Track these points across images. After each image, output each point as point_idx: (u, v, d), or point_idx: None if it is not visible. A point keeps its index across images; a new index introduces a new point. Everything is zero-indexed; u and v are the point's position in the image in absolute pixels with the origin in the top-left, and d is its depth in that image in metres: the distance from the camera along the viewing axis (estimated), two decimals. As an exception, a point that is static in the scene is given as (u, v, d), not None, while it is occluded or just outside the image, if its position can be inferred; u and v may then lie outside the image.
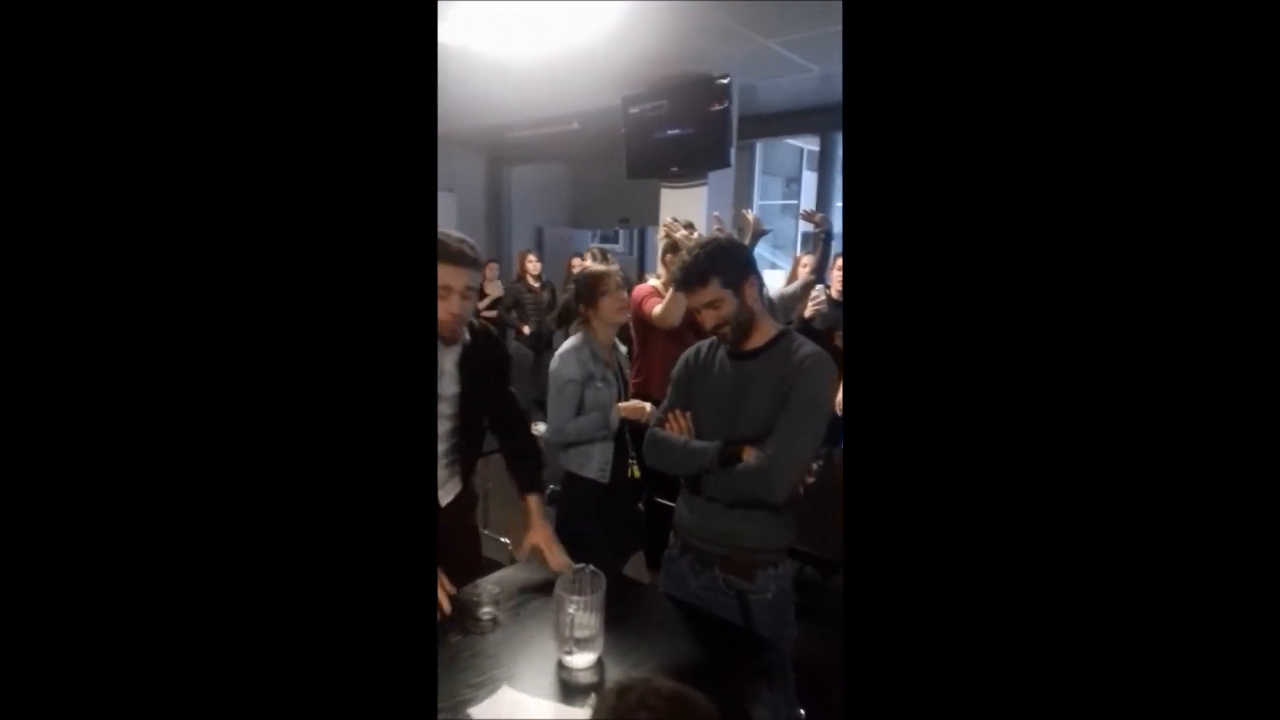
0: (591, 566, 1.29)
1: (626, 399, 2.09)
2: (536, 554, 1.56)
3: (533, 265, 5.17)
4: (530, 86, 4.25)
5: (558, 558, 1.50)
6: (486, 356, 1.56)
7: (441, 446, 1.51)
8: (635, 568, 2.09)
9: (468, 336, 1.51)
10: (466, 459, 1.61)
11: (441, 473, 1.55)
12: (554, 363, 2.00)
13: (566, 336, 2.13)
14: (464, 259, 1.39)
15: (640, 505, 2.18)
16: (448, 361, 1.47)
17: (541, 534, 1.56)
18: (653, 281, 2.57)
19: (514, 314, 5.11)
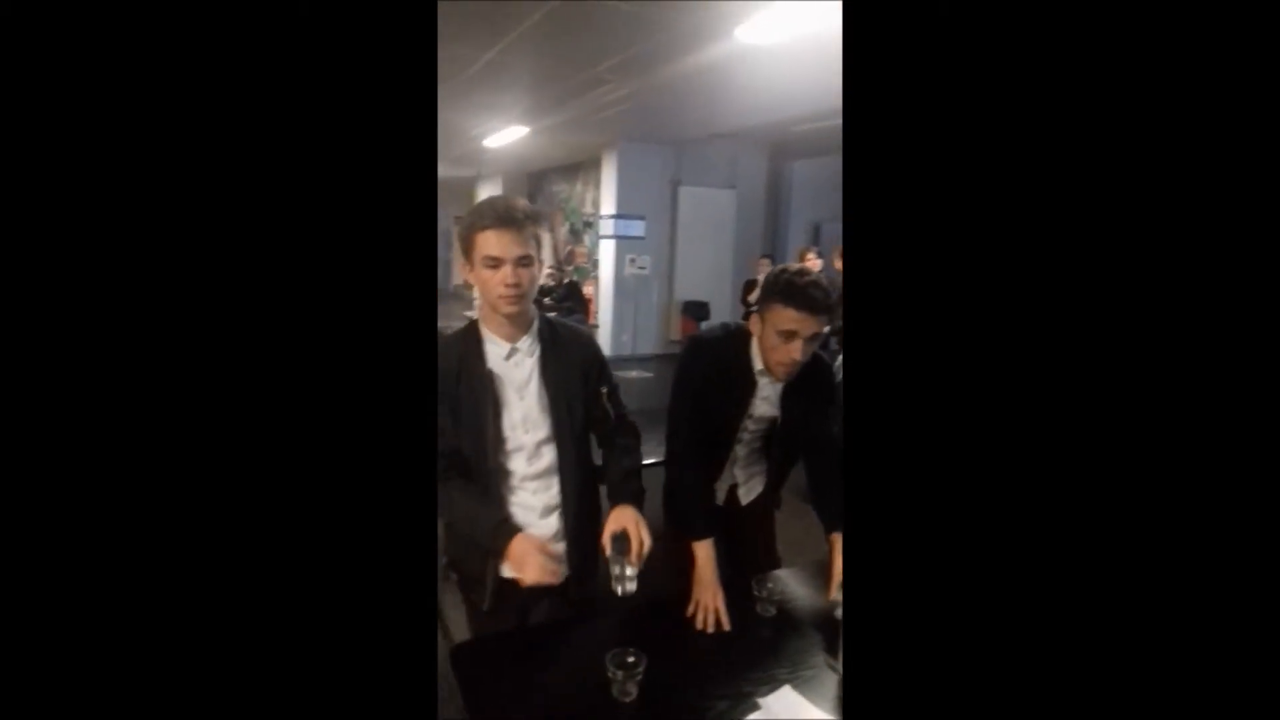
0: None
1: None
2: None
3: (812, 262, 5.04)
4: (820, 78, 4.15)
5: None
6: (814, 388, 1.57)
7: (743, 450, 1.60)
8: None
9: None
10: (770, 470, 1.67)
11: (741, 473, 1.64)
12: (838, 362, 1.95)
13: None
14: (816, 306, 1.35)
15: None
16: (771, 389, 1.53)
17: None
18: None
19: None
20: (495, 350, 1.27)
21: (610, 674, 1.06)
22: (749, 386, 1.51)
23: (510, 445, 1.28)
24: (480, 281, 1.20)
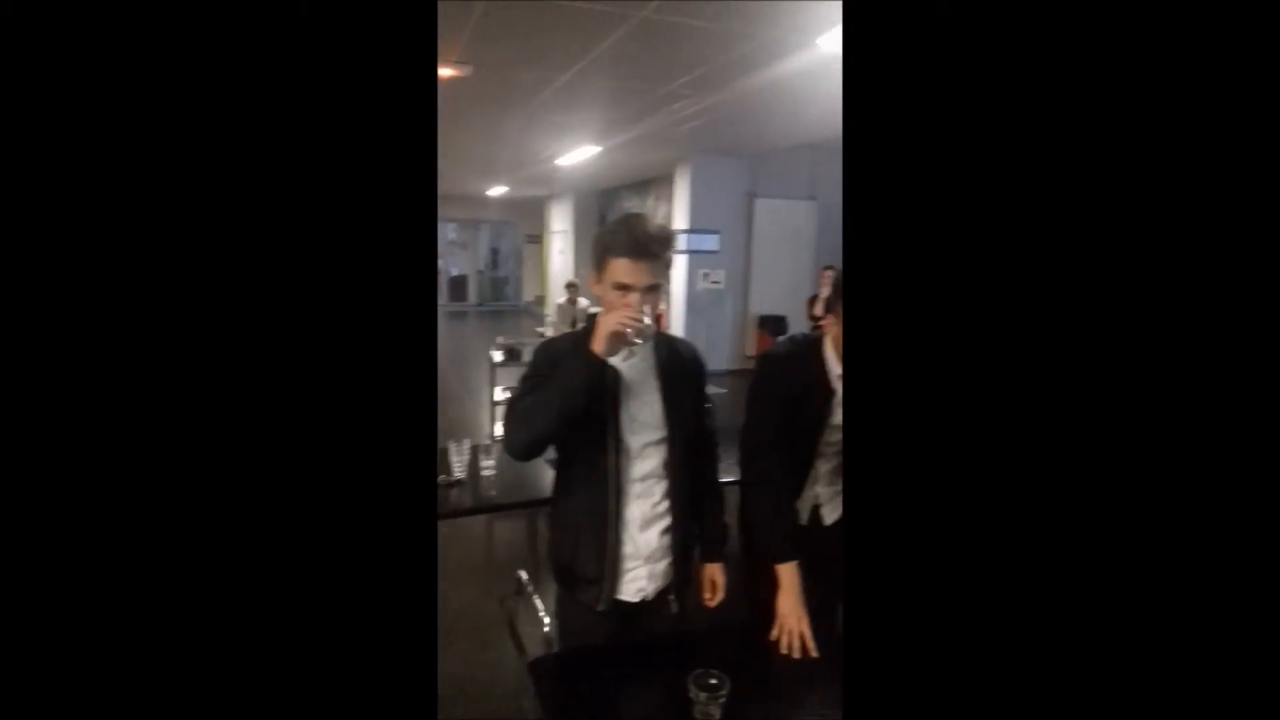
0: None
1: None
2: None
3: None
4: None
5: None
6: None
7: (825, 466, 1.56)
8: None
9: None
10: None
11: (824, 491, 1.59)
12: None
13: None
14: None
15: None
16: None
17: None
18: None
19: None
20: None
21: (693, 695, 1.03)
22: (827, 394, 1.46)
23: (621, 445, 1.27)
24: (606, 301, 1.21)
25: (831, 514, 1.60)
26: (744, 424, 1.51)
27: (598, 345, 1.13)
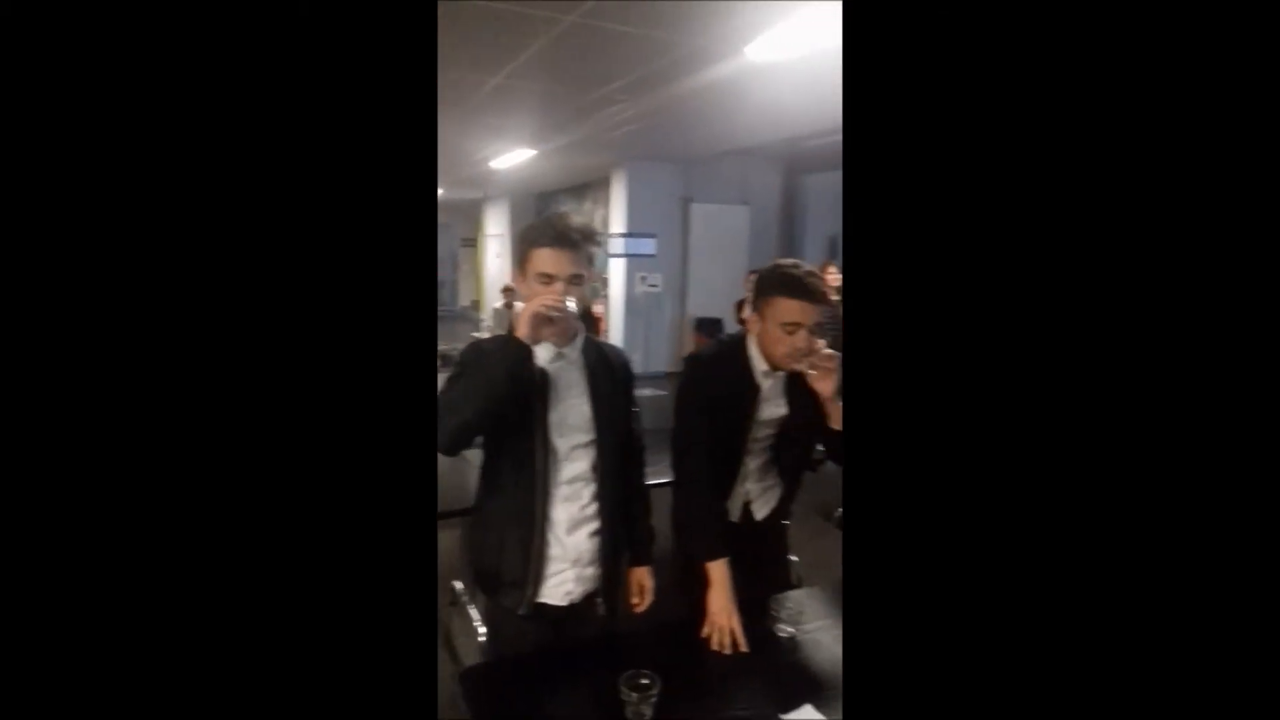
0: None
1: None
2: None
3: (834, 278, 4.92)
4: (831, 93, 4.15)
5: None
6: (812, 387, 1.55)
7: (754, 463, 1.57)
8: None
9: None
10: (785, 479, 1.64)
11: (754, 488, 1.61)
12: None
13: None
14: (816, 295, 1.37)
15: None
16: (774, 390, 1.51)
17: None
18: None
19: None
20: (543, 352, 1.26)
21: (624, 696, 1.04)
22: (753, 390, 1.49)
23: (549, 447, 1.27)
24: (531, 295, 1.22)
25: (762, 510, 1.63)
26: (674, 425, 1.53)
27: (521, 330, 1.15)
